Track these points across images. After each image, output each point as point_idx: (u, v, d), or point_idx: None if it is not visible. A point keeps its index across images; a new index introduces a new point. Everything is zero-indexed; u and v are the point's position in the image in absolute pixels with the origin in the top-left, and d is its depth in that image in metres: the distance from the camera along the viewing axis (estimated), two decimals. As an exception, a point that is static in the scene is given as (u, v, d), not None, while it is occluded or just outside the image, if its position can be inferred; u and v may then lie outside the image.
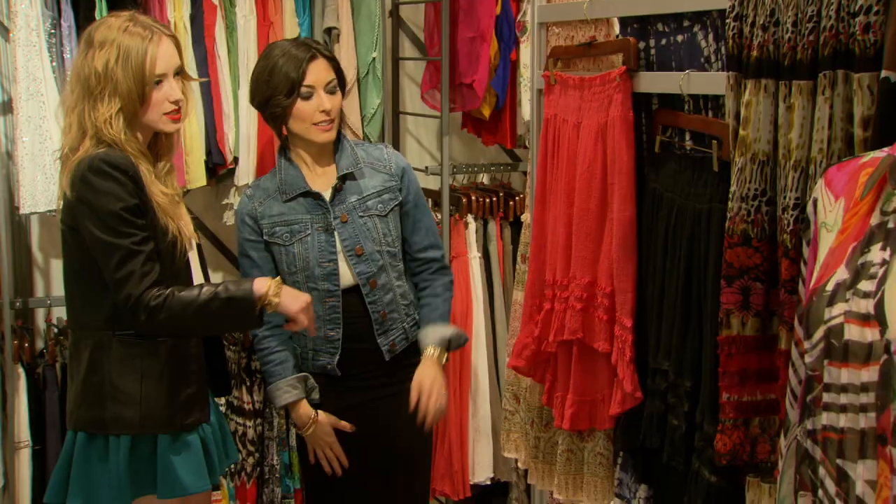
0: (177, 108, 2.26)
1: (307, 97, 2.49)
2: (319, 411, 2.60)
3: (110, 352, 2.22)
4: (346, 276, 2.56)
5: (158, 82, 2.22)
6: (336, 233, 2.55)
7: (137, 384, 2.22)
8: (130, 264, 2.15)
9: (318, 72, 2.50)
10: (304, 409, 2.59)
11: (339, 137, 2.62)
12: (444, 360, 2.63)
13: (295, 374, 2.59)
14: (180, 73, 2.29)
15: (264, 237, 2.57)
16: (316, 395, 2.62)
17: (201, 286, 2.21)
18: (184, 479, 2.25)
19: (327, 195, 2.56)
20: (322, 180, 2.59)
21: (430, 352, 2.59)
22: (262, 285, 2.23)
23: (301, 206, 2.56)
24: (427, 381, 2.55)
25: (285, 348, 2.60)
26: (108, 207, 2.14)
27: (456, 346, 2.69)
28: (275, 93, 2.49)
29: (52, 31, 2.93)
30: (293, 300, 2.27)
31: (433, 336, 2.62)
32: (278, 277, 2.32)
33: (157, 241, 2.21)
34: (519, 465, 2.71)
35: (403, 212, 2.64)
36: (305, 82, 2.48)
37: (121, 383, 2.21)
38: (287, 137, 2.59)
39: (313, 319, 2.33)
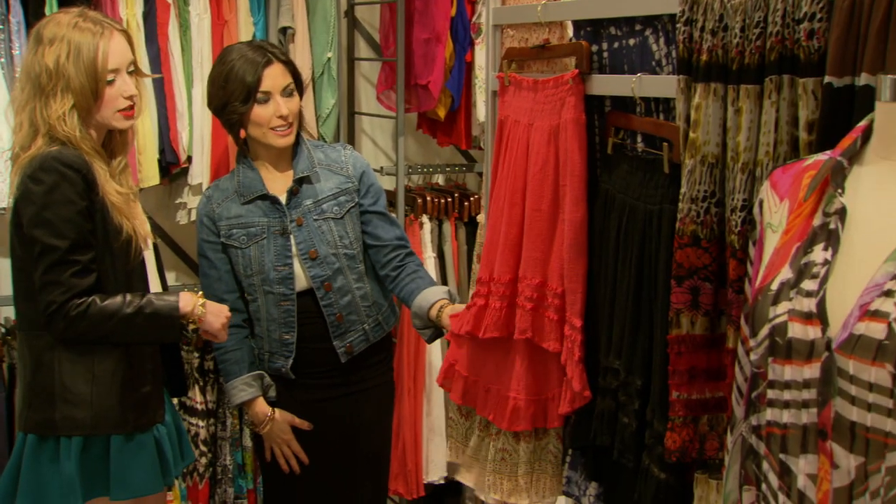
0: (131, 104, 2.24)
1: (264, 102, 2.48)
2: (276, 409, 2.60)
3: (60, 352, 2.19)
4: (301, 280, 2.56)
5: (111, 80, 2.20)
6: (292, 236, 2.55)
7: (89, 384, 2.19)
8: (59, 271, 2.12)
9: (274, 77, 2.49)
10: (261, 406, 2.59)
11: (298, 140, 2.62)
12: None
13: (251, 372, 2.59)
14: (134, 69, 2.27)
15: (221, 239, 2.56)
16: (272, 393, 2.61)
17: (125, 296, 2.17)
18: (137, 481, 2.22)
19: (284, 198, 2.56)
20: (280, 183, 2.58)
21: (445, 303, 2.54)
22: (188, 303, 2.22)
23: (258, 209, 2.55)
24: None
25: (242, 347, 2.59)
26: (54, 208, 2.11)
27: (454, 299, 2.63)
28: (231, 99, 2.47)
29: (1, 27, 2.89)
30: (215, 318, 2.28)
31: (437, 292, 2.57)
32: (201, 293, 2.31)
33: (111, 241, 2.19)
34: (448, 459, 2.69)
35: (366, 212, 2.64)
36: (262, 88, 2.47)
37: (71, 384, 2.19)
38: (245, 141, 2.58)
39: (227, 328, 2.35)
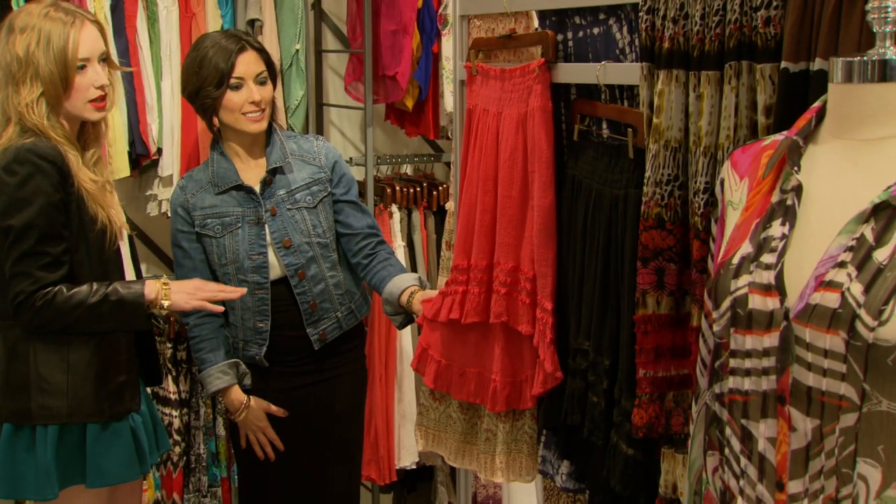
0: (102, 94, 2.25)
1: (236, 88, 2.51)
2: (251, 396, 2.63)
3: (35, 342, 2.21)
4: (275, 268, 2.59)
5: (82, 67, 2.21)
6: (266, 225, 2.58)
7: (64, 374, 2.21)
8: (28, 262, 2.14)
9: (247, 63, 2.52)
10: (236, 394, 2.62)
11: (271, 130, 2.65)
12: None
13: (226, 361, 2.61)
14: (106, 59, 2.28)
15: (196, 229, 2.59)
16: (248, 381, 2.65)
17: (91, 285, 2.20)
18: (113, 469, 2.25)
19: (258, 188, 2.59)
20: (254, 173, 2.61)
21: (411, 291, 2.58)
22: (152, 290, 2.25)
23: (233, 199, 2.58)
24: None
25: (217, 336, 2.62)
26: (27, 199, 2.13)
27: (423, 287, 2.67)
28: (204, 84, 2.50)
29: (-31, 19, 2.89)
30: (184, 296, 2.30)
31: (408, 279, 2.60)
32: (164, 278, 2.33)
33: (86, 230, 2.20)
34: (419, 448, 2.72)
35: (338, 201, 2.68)
36: (234, 74, 2.50)
37: (47, 373, 2.20)
38: (219, 130, 2.61)
39: (218, 290, 2.37)
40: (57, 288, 2.15)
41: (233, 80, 2.51)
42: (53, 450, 2.21)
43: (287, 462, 2.68)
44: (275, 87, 2.63)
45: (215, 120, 2.58)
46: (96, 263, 2.23)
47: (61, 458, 2.22)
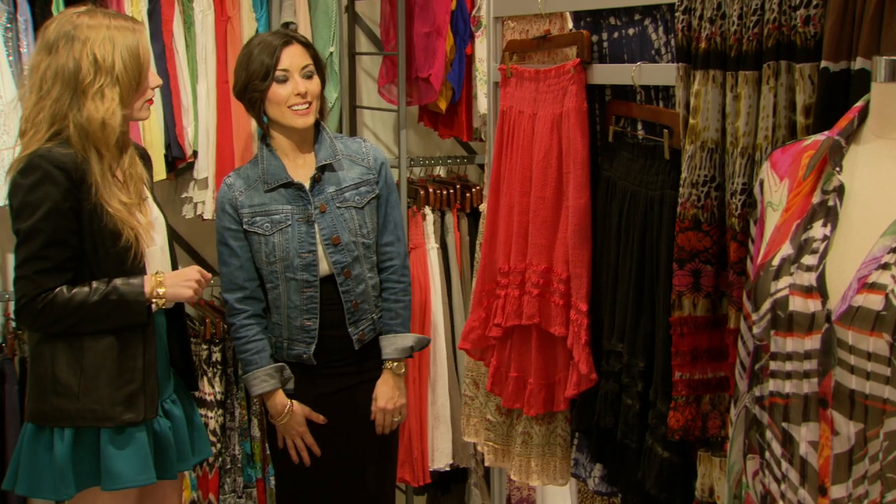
0: (153, 94, 2.31)
1: (282, 81, 2.54)
2: (294, 402, 2.64)
3: (53, 345, 2.24)
4: (324, 266, 2.60)
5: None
6: (315, 223, 2.59)
7: (77, 377, 2.23)
8: (30, 266, 2.17)
9: (292, 56, 2.55)
10: (280, 398, 2.63)
11: (319, 129, 2.67)
12: (403, 370, 2.74)
13: (272, 364, 2.62)
14: None
15: (244, 226, 2.59)
16: (291, 385, 2.65)
17: (90, 285, 2.21)
18: (124, 472, 2.25)
19: (307, 185, 2.60)
20: (302, 171, 2.62)
21: (390, 365, 2.71)
22: (147, 285, 2.26)
23: (282, 197, 2.59)
24: (388, 404, 2.71)
25: (263, 337, 2.63)
26: (34, 204, 2.15)
27: (419, 349, 2.79)
28: (251, 78, 2.54)
29: (8, 25, 2.93)
30: (180, 288, 2.31)
31: (392, 347, 2.71)
32: (157, 272, 2.32)
33: (105, 241, 2.21)
34: (478, 448, 2.77)
35: (377, 205, 2.69)
36: (280, 66, 2.53)
37: (62, 376, 2.23)
38: (268, 127, 2.63)
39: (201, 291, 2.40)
40: (57, 290, 2.18)
41: (278, 73, 2.53)
42: (69, 451, 2.23)
43: (325, 464, 2.69)
44: (322, 83, 2.64)
45: (263, 116, 2.60)
46: (114, 274, 2.24)
47: (77, 459, 2.25)
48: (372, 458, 2.74)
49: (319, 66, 2.63)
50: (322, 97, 2.64)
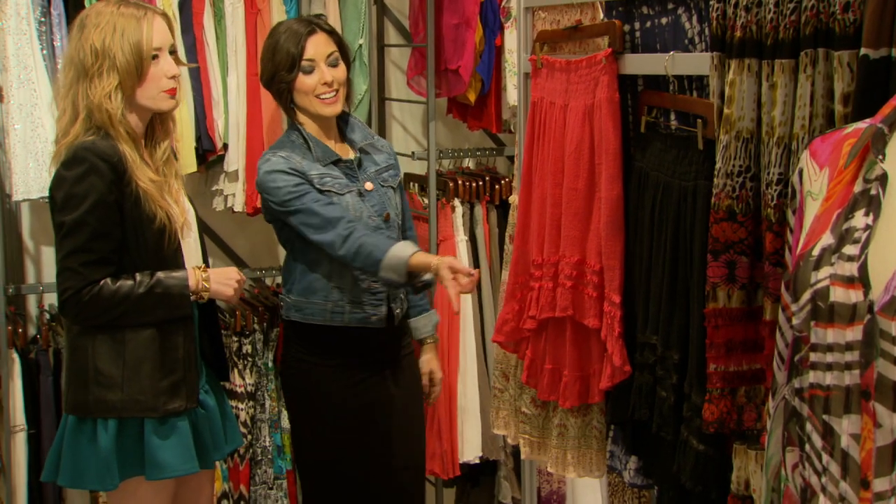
0: (174, 84, 2.29)
1: (309, 71, 2.55)
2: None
3: (93, 336, 2.25)
4: None
5: (155, 57, 2.25)
6: (365, 199, 2.59)
7: (119, 368, 2.24)
8: (76, 258, 2.17)
9: (317, 45, 2.55)
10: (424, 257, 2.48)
11: (347, 114, 2.68)
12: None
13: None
14: (174, 52, 2.32)
15: (317, 186, 2.53)
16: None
17: (135, 277, 2.22)
18: (170, 462, 2.27)
19: (354, 164, 2.62)
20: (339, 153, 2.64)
21: (431, 340, 2.83)
22: (192, 279, 2.28)
23: (336, 171, 2.59)
24: (440, 373, 2.85)
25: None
26: (80, 196, 2.16)
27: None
28: (278, 69, 2.55)
29: (43, 19, 2.96)
30: (223, 286, 2.34)
31: (431, 324, 2.81)
32: (202, 265, 2.35)
33: (144, 229, 2.23)
34: (508, 440, 2.77)
35: (400, 191, 2.74)
36: (305, 56, 2.54)
37: (104, 367, 2.24)
38: (295, 113, 2.63)
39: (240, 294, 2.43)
40: (102, 282, 2.19)
41: (304, 63, 2.54)
42: (113, 442, 2.25)
43: (359, 452, 2.68)
44: (348, 68, 2.64)
45: (291, 105, 2.61)
46: (153, 262, 2.25)
47: (121, 449, 2.26)
48: (402, 450, 2.74)
49: (345, 53, 2.63)
50: (348, 82, 2.64)
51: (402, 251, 2.42)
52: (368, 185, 2.61)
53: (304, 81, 2.55)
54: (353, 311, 2.61)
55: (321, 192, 2.53)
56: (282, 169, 2.51)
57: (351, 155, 2.64)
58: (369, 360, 2.67)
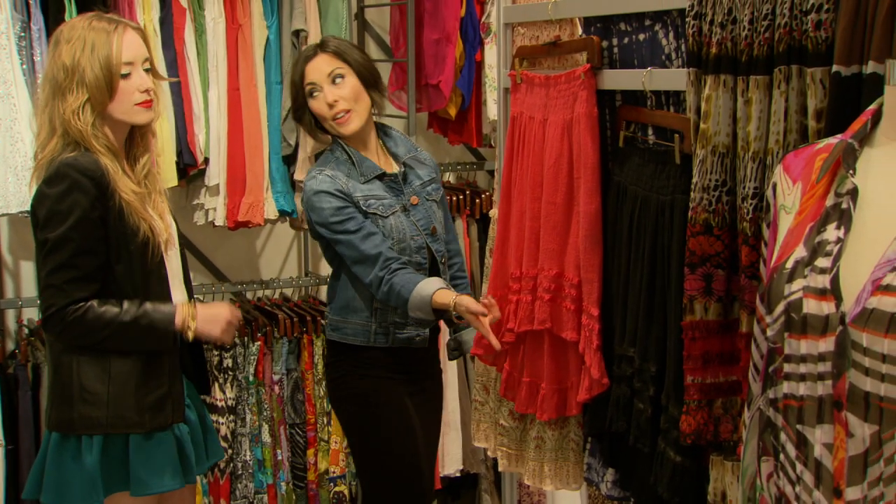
0: (148, 97, 2.27)
1: (314, 96, 2.51)
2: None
3: (77, 353, 2.23)
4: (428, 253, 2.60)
5: (126, 74, 2.24)
6: (410, 213, 2.58)
7: (105, 385, 2.22)
8: (60, 275, 2.16)
9: (317, 68, 2.51)
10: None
11: (387, 127, 2.67)
12: None
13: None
14: (150, 67, 2.31)
15: (362, 208, 2.50)
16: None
17: (121, 304, 2.21)
18: (156, 478, 2.25)
19: (399, 178, 2.59)
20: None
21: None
22: (179, 315, 2.26)
23: (379, 188, 2.54)
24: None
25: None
26: (63, 213, 2.14)
27: None
28: (294, 103, 2.56)
29: (22, 34, 2.95)
30: (210, 325, 2.31)
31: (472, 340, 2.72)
32: (192, 302, 2.33)
33: (128, 242, 2.22)
34: (488, 453, 2.78)
35: (442, 206, 2.72)
36: (307, 82, 2.51)
37: (88, 384, 2.22)
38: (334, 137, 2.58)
39: (233, 333, 2.38)
40: (88, 304, 2.17)
41: (307, 89, 2.52)
42: (98, 458, 2.23)
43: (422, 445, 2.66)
44: (367, 81, 2.55)
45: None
46: (138, 276, 2.24)
47: (106, 466, 2.24)
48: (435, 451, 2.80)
49: (352, 63, 2.53)
50: (367, 97, 2.55)
51: (426, 290, 2.38)
52: (414, 200, 2.58)
53: (315, 107, 2.52)
54: (397, 331, 2.58)
55: (366, 214, 2.50)
56: (327, 190, 2.47)
57: (395, 169, 2.61)
58: (414, 376, 2.65)
